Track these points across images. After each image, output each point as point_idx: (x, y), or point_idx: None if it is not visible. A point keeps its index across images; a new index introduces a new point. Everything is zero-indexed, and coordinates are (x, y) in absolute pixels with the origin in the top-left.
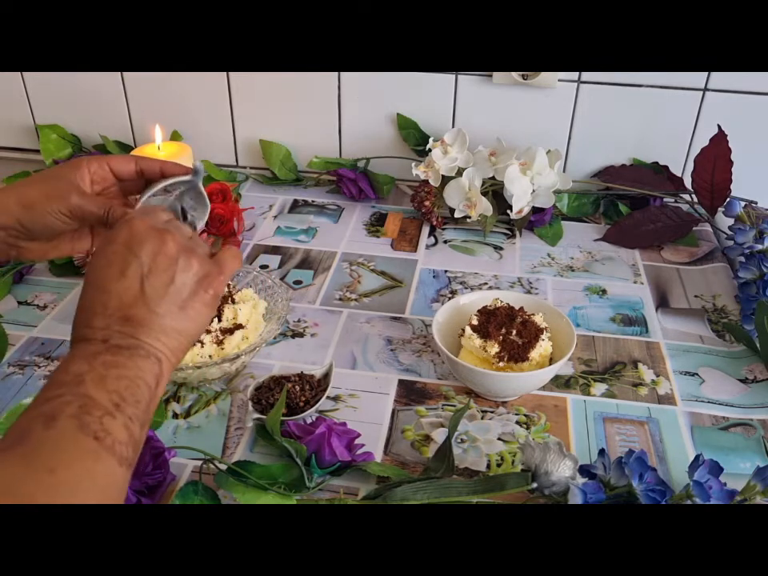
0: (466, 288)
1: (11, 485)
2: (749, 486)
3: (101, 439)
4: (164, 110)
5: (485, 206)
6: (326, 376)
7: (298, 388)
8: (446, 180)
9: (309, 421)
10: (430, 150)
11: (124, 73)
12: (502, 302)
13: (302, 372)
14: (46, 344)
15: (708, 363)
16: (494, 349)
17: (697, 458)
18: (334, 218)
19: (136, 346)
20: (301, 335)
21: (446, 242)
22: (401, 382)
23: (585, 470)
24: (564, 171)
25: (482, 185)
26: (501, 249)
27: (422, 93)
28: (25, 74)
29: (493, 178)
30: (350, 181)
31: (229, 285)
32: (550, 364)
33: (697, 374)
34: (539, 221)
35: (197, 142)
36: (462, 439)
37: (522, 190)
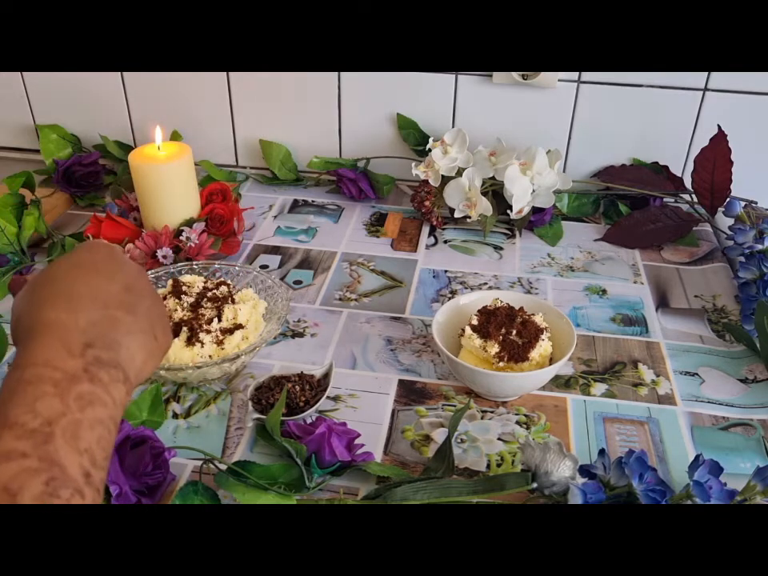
0: (466, 288)
1: None
2: (749, 486)
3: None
4: (164, 110)
5: (485, 206)
6: (326, 376)
7: (298, 388)
8: (446, 180)
9: (309, 421)
10: (430, 150)
11: (124, 73)
12: (502, 301)
13: (302, 372)
14: None
15: (708, 363)
16: (493, 349)
17: (697, 458)
18: (334, 218)
19: (116, 365)
20: (301, 335)
21: (446, 242)
22: (401, 382)
23: (585, 470)
24: (564, 171)
25: (482, 185)
26: (501, 249)
27: (422, 93)
28: (25, 74)
29: (493, 177)
30: (350, 181)
31: (228, 285)
32: (550, 364)
33: (697, 374)
34: (539, 221)
35: (197, 142)
36: (461, 439)
37: (522, 190)
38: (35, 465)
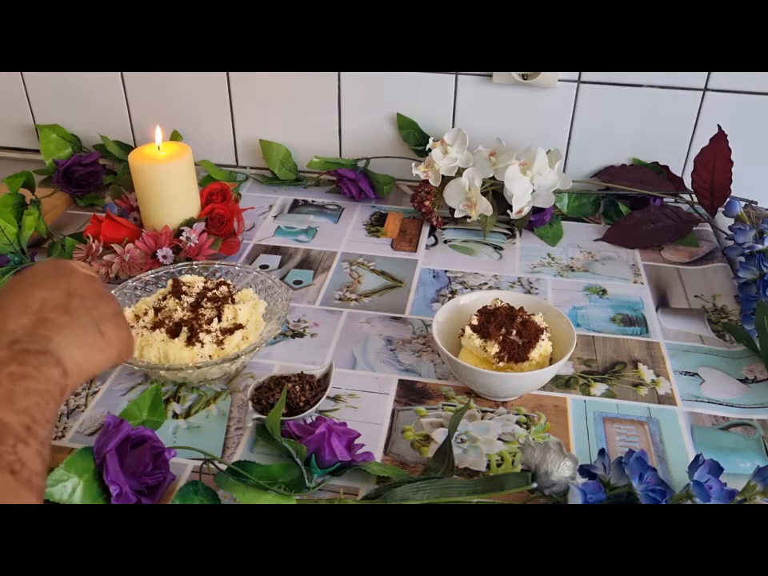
0: (466, 288)
1: None
2: (749, 486)
3: (17, 473)
4: (164, 110)
5: (485, 206)
6: (326, 376)
7: (298, 388)
8: (446, 180)
9: (309, 421)
10: (430, 150)
11: (124, 73)
12: (502, 301)
13: (302, 372)
14: None
15: (708, 363)
16: (493, 349)
17: (697, 458)
18: (334, 217)
19: (45, 352)
20: (301, 335)
21: (446, 242)
22: (401, 382)
23: (585, 470)
24: (564, 171)
25: (482, 185)
26: (501, 249)
27: (422, 93)
28: (25, 74)
29: (493, 178)
30: (350, 181)
31: (228, 285)
32: (550, 364)
33: (697, 374)
34: (539, 221)
35: (197, 142)
36: (462, 439)
37: (521, 190)
38: None
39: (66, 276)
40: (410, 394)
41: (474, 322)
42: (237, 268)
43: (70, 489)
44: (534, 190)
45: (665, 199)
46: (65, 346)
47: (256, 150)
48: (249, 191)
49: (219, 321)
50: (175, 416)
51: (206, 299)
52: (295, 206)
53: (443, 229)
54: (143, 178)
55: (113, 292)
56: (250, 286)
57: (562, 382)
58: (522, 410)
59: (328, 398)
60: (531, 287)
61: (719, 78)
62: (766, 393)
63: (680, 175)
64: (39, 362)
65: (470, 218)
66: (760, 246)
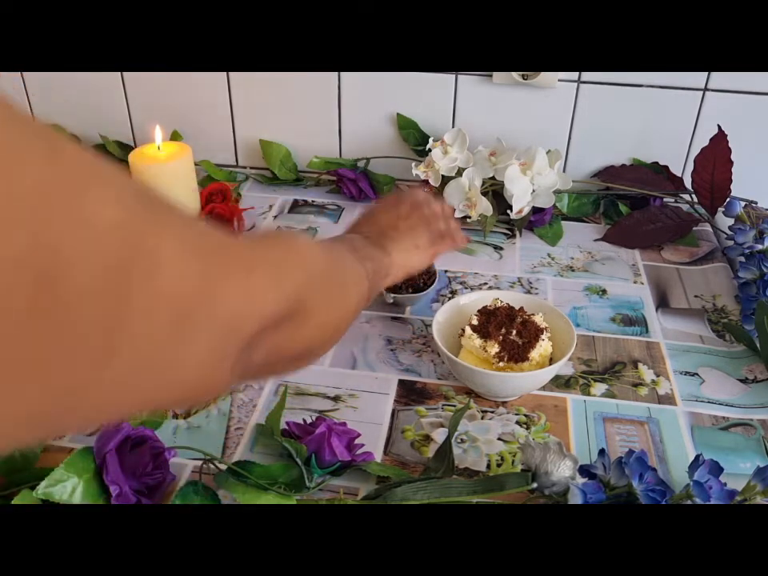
0: (466, 288)
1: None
2: (749, 486)
3: (356, 252)
4: (164, 110)
5: (485, 206)
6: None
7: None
8: (446, 180)
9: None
10: (430, 150)
11: (124, 73)
12: (502, 301)
13: None
14: None
15: (708, 363)
16: (493, 349)
17: (697, 458)
18: (334, 217)
19: (381, 245)
20: None
21: None
22: (401, 382)
23: (585, 470)
24: (564, 171)
25: (482, 185)
26: (501, 249)
27: (422, 93)
28: (25, 74)
29: (493, 177)
30: (350, 181)
31: None
32: (550, 364)
33: (697, 374)
34: (539, 221)
35: (197, 142)
36: (462, 439)
37: (521, 190)
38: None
39: (402, 202)
40: (410, 393)
41: (474, 322)
42: None
43: (70, 489)
44: (534, 190)
45: (665, 199)
46: (391, 248)
47: (256, 150)
48: (249, 191)
49: None
50: (175, 416)
51: None
52: (295, 206)
53: None
54: (143, 177)
55: None
56: None
57: (562, 382)
58: (522, 409)
59: (328, 397)
60: (531, 287)
61: (719, 78)
62: (766, 393)
63: (680, 175)
64: (374, 246)
65: (470, 217)
66: (760, 246)
